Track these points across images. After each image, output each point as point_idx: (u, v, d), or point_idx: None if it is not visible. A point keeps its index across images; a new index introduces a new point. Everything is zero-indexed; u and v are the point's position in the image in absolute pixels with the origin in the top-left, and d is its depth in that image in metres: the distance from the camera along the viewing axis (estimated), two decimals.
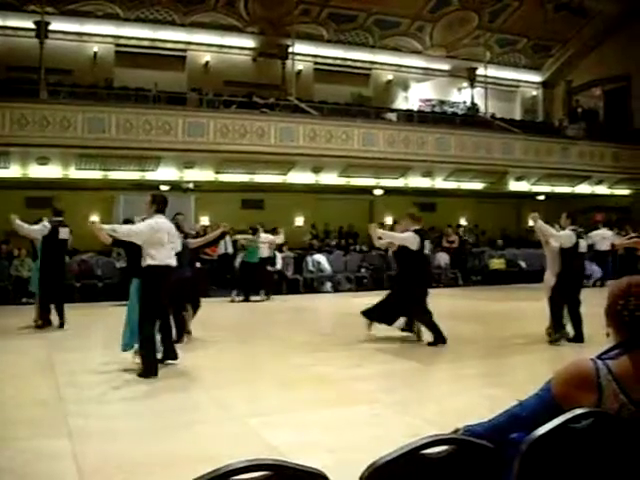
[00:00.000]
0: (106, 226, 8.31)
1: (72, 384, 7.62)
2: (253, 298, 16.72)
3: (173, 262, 8.30)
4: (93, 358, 9.62)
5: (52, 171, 18.25)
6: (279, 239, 18.17)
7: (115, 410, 6.49)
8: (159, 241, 8.12)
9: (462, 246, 22.45)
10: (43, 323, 11.84)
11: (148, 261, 8.06)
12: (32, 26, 20.48)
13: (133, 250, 8.32)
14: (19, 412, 6.39)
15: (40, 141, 17.21)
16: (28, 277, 16.48)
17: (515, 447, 2.20)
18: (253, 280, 16.82)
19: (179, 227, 10.75)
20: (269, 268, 17.86)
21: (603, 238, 19.48)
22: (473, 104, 27.76)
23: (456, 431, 2.54)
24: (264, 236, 17.38)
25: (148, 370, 7.94)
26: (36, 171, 18.09)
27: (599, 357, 2.49)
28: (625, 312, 2.44)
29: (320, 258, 19.95)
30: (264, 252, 17.27)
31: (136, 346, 8.29)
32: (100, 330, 12.13)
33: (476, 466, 2.19)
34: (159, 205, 8.34)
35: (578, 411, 2.24)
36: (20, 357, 9.43)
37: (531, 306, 15.76)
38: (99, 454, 5.13)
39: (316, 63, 26.63)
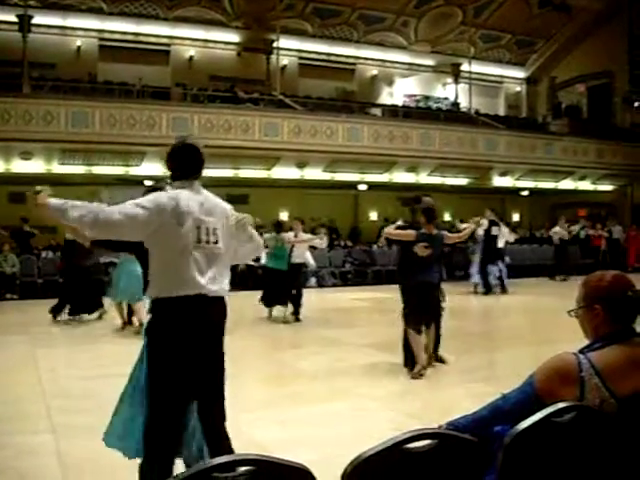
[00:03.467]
0: None
1: (55, 379, 7.58)
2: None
3: None
4: (76, 353, 9.60)
5: (35, 166, 18.11)
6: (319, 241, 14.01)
7: (99, 405, 6.45)
8: None
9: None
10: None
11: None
12: (15, 20, 20.32)
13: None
14: (1, 408, 6.35)
15: (23, 136, 17.05)
16: (12, 273, 16.44)
17: (498, 440, 2.22)
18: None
19: None
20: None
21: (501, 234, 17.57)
22: (455, 101, 27.84)
23: (439, 428, 2.55)
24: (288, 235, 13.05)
25: None
26: (19, 166, 17.95)
27: (581, 351, 2.51)
28: None
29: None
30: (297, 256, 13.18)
31: None
32: (83, 325, 12.07)
33: (459, 460, 2.20)
34: None
35: (560, 405, 2.25)
36: (2, 352, 9.38)
37: (514, 300, 15.87)
38: (82, 450, 5.10)
39: (301, 58, 26.61)
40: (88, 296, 12.25)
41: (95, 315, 12.43)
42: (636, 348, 2.46)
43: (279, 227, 13.18)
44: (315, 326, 12.37)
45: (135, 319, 11.10)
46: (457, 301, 15.76)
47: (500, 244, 17.25)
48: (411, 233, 7.69)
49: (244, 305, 15.81)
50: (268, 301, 12.95)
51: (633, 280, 2.61)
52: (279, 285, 12.76)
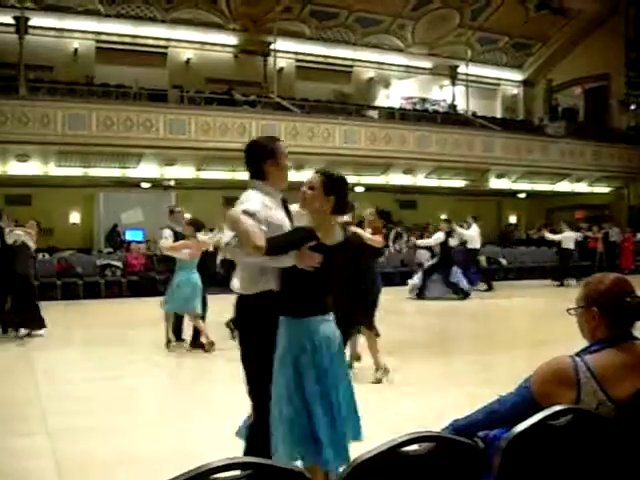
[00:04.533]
0: None
1: (51, 382, 7.57)
2: None
3: None
4: (72, 356, 9.58)
5: (32, 168, 18.10)
6: None
7: (95, 407, 6.45)
8: None
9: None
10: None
11: None
12: (11, 21, 20.26)
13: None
14: None
15: (19, 138, 17.04)
16: None
17: (495, 444, 2.22)
18: None
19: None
20: None
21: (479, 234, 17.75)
22: (452, 103, 27.85)
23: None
24: None
25: None
26: (15, 168, 17.94)
27: (578, 354, 2.51)
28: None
29: None
30: None
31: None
32: (79, 328, 12.07)
33: (456, 463, 2.20)
34: None
35: (557, 408, 2.25)
36: None
37: (512, 303, 15.87)
38: (79, 451, 5.09)
39: (298, 60, 26.59)
40: (31, 308, 10.71)
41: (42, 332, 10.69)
42: (633, 351, 2.46)
43: None
44: None
45: (202, 338, 9.60)
46: (449, 305, 15.80)
47: (474, 244, 17.41)
48: (381, 240, 7.64)
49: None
50: None
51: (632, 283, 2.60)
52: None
